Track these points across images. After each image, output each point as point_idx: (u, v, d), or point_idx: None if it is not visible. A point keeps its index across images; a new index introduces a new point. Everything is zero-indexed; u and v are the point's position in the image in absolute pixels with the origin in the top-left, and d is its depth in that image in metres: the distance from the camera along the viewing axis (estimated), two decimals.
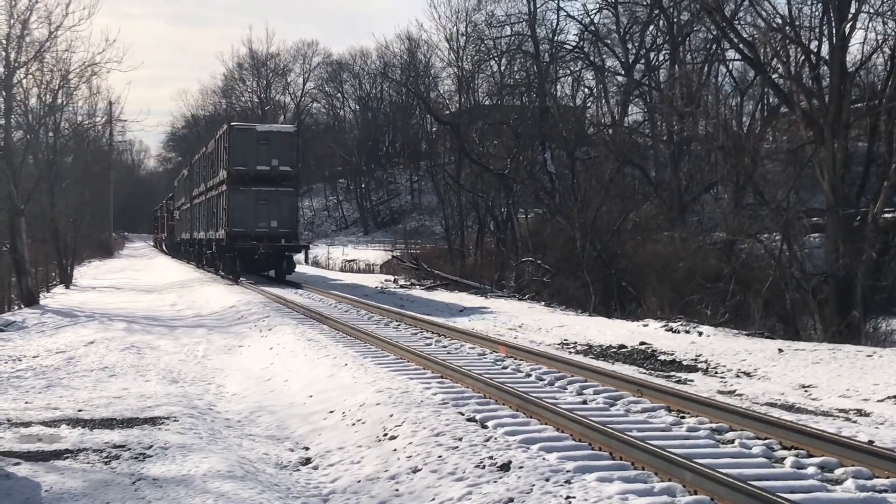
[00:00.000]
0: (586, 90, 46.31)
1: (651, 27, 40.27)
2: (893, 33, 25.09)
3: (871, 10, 25.34)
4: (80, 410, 10.76)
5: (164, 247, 76.25)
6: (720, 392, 11.60)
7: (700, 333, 18.04)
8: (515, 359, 13.52)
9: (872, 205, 23.25)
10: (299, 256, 39.10)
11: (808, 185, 26.99)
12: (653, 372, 13.51)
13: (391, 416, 9.43)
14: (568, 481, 7.03)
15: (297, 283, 32.03)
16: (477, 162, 40.15)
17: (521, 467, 7.39)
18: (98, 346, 16.47)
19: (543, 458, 7.64)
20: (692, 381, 12.72)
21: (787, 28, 25.51)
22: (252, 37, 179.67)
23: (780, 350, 15.31)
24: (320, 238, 79.22)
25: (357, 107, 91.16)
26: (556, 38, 43.87)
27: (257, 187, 32.23)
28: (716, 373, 13.59)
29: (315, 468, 8.63)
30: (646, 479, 7.08)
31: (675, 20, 36.15)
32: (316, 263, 56.86)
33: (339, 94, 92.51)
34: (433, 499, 7.13)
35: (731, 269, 24.83)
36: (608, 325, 19.95)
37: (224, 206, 33.11)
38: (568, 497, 6.69)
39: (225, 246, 33.64)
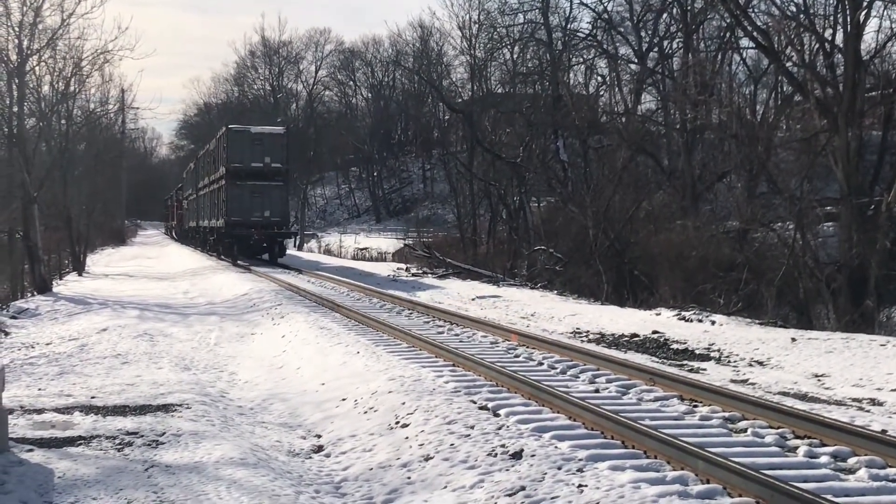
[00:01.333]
0: (599, 78, 46.24)
1: (664, 15, 40.01)
2: None
3: None
4: (92, 397, 10.79)
5: (174, 234, 76.56)
6: (733, 381, 11.56)
7: (713, 322, 17.97)
8: (527, 347, 13.50)
9: (886, 193, 23.14)
10: (311, 244, 40.81)
11: (821, 174, 26.82)
12: (665, 361, 13.47)
13: (403, 404, 9.43)
14: (580, 469, 7.03)
15: (309, 270, 32.11)
16: (489, 150, 40.11)
17: (533, 455, 7.38)
18: (111, 334, 16.53)
19: (556, 447, 7.63)
20: (705, 369, 12.68)
21: (802, 16, 25.39)
22: (264, 24, 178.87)
23: (793, 339, 15.24)
24: (332, 226, 79.22)
25: (369, 95, 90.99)
26: (569, 25, 43.75)
27: (252, 182, 36.06)
28: (728, 362, 13.54)
29: (327, 456, 8.64)
30: (658, 468, 7.07)
31: (689, 8, 35.93)
32: (328, 251, 56.95)
33: (352, 83, 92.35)
34: (445, 486, 7.13)
35: (744, 258, 24.75)
36: (620, 314, 19.89)
37: (223, 199, 36.99)
38: (580, 485, 6.68)
39: (224, 233, 37.81)
